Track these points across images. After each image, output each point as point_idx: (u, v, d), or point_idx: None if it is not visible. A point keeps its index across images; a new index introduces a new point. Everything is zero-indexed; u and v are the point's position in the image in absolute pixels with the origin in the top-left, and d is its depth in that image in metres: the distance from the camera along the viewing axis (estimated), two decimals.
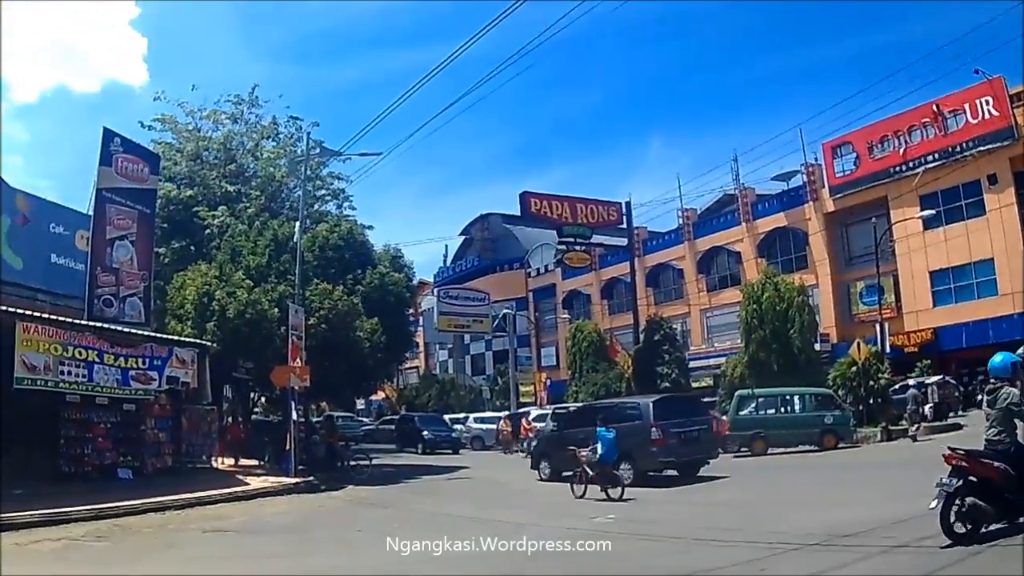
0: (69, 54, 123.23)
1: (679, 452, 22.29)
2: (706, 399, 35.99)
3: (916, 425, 31.62)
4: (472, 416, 55.71)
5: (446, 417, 53.13)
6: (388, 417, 61.02)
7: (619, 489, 18.92)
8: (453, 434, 46.54)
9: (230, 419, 36.72)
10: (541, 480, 25.04)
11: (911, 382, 36.01)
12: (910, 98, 49.05)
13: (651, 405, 22.99)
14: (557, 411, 35.83)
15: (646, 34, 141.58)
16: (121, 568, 12.59)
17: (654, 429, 21.85)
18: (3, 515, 15.22)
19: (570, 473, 21.01)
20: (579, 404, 39.33)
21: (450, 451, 43.84)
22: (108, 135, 26.74)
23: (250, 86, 48.65)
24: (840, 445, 30.24)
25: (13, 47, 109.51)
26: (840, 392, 35.36)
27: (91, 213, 26.49)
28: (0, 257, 23.81)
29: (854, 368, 36.04)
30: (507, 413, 47.82)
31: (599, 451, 19.30)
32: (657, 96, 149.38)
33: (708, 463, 23.79)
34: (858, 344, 36.75)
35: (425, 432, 45.36)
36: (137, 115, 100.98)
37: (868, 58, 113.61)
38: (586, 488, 19.45)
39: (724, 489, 20.82)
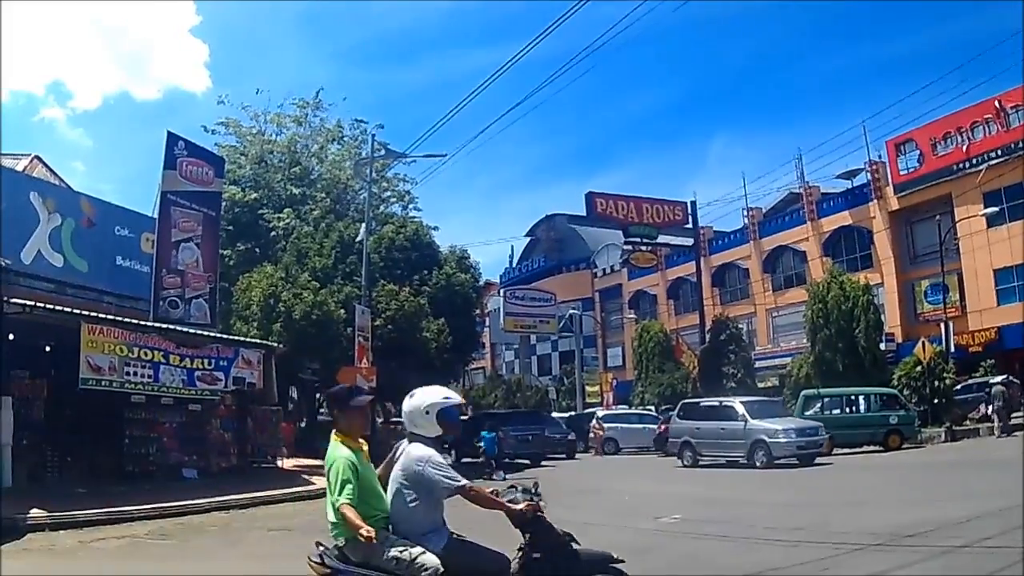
0: (130, 61, 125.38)
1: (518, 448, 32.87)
2: (772, 399, 35.30)
3: (1001, 422, 31.01)
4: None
5: (595, 412, 46.09)
6: None
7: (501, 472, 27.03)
8: (568, 435, 37.31)
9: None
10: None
11: (996, 379, 35.20)
12: (973, 94, 47.97)
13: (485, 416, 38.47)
14: None
15: (710, 33, 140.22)
16: (185, 566, 12.56)
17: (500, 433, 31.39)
18: (67, 513, 15.32)
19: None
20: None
21: (564, 456, 35.67)
22: (172, 139, 26.87)
23: (313, 90, 49.30)
24: (904, 445, 29.77)
25: (73, 54, 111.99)
26: (905, 392, 34.78)
27: (156, 216, 26.66)
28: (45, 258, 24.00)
29: (919, 368, 35.49)
30: (603, 414, 45.06)
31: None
32: (721, 95, 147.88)
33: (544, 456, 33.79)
34: (923, 343, 36.13)
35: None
36: (199, 121, 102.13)
37: (932, 54, 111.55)
38: None
39: (789, 489, 20.62)
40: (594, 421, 41.32)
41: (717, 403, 30.33)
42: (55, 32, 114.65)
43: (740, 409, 27.86)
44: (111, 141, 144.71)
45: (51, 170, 29.98)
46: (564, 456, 35.48)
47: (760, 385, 47.54)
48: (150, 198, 29.04)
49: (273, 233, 38.26)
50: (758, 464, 25.95)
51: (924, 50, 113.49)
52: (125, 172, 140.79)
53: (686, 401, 33.09)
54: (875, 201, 50.15)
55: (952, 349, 38.21)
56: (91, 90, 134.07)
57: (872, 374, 37.03)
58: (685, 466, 28.68)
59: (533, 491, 6.76)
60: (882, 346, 41.41)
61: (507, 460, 30.93)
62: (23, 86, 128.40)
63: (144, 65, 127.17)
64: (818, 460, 26.11)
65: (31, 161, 28.64)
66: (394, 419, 36.78)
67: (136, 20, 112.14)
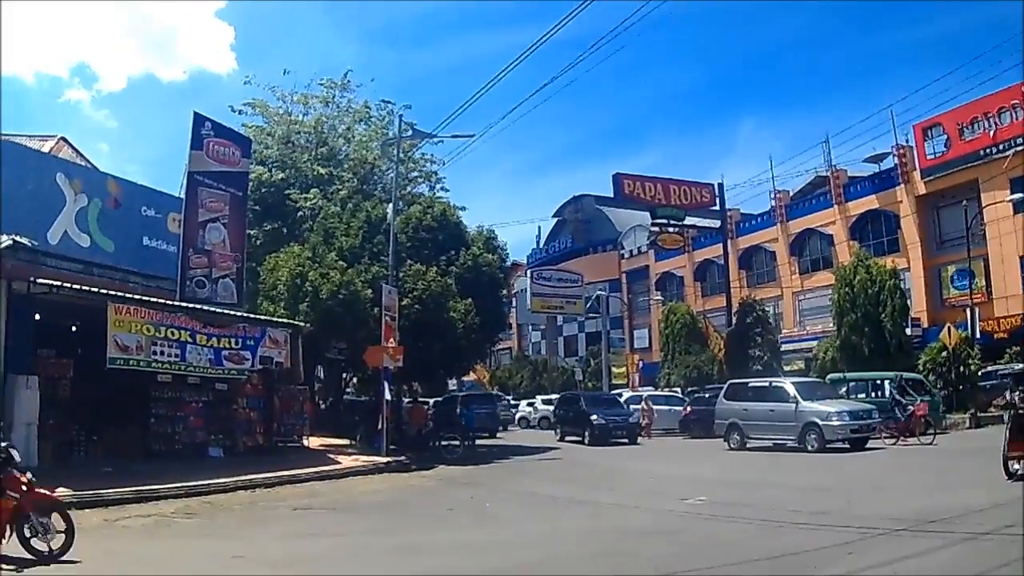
0: (156, 44, 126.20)
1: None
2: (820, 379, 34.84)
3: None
4: (525, 401, 57.55)
5: (620, 395, 46.46)
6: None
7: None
8: (631, 418, 37.02)
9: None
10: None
11: (1020, 366, 34.90)
12: (1001, 79, 47.25)
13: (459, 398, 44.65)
14: None
15: (739, 15, 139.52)
16: (211, 544, 12.55)
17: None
18: (93, 491, 15.34)
19: None
20: None
21: (626, 440, 35.06)
22: (199, 119, 26.84)
23: (340, 71, 49.26)
24: (929, 431, 29.40)
25: (99, 36, 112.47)
26: (930, 377, 34.63)
27: (183, 196, 26.70)
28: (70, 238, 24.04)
29: (944, 353, 35.29)
30: (648, 394, 44.96)
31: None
32: (750, 77, 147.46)
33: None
34: (948, 329, 36.02)
35: (594, 416, 35.55)
36: (224, 102, 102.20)
37: (960, 39, 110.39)
38: None
39: (812, 473, 20.56)
40: (643, 403, 40.71)
41: (767, 383, 30.02)
42: (81, 15, 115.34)
43: (791, 390, 27.47)
44: (136, 122, 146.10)
45: (77, 151, 30.05)
46: (627, 441, 34.67)
47: (786, 368, 47.17)
48: (175, 179, 29.17)
49: (300, 213, 38.17)
50: (809, 448, 25.56)
51: (952, 34, 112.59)
52: (150, 153, 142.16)
53: (734, 381, 32.49)
54: (902, 185, 49.68)
55: (978, 335, 37.95)
56: (117, 72, 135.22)
57: (898, 359, 36.85)
58: (732, 449, 28.36)
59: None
60: (908, 331, 41.17)
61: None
62: (48, 69, 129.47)
63: (170, 47, 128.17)
64: (839, 444, 25.76)
65: (57, 142, 28.71)
66: (421, 399, 36.89)
67: (162, 3, 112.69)
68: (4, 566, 9.70)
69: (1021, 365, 35.08)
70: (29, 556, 10.01)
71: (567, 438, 37.49)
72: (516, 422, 54.40)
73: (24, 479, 10.16)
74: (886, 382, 31.95)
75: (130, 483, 16.32)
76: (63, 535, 10.17)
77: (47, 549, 10.07)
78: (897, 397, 29.00)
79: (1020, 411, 15.23)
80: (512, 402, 57.90)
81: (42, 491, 10.53)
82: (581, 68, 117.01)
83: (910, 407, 28.02)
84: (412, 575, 10.22)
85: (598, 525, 13.61)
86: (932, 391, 32.11)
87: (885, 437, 27.10)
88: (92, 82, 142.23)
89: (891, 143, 51.21)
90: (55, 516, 10.25)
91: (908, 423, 27.28)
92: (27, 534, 10.08)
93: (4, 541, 9.87)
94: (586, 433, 35.29)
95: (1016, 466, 14.70)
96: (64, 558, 10.03)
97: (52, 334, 20.50)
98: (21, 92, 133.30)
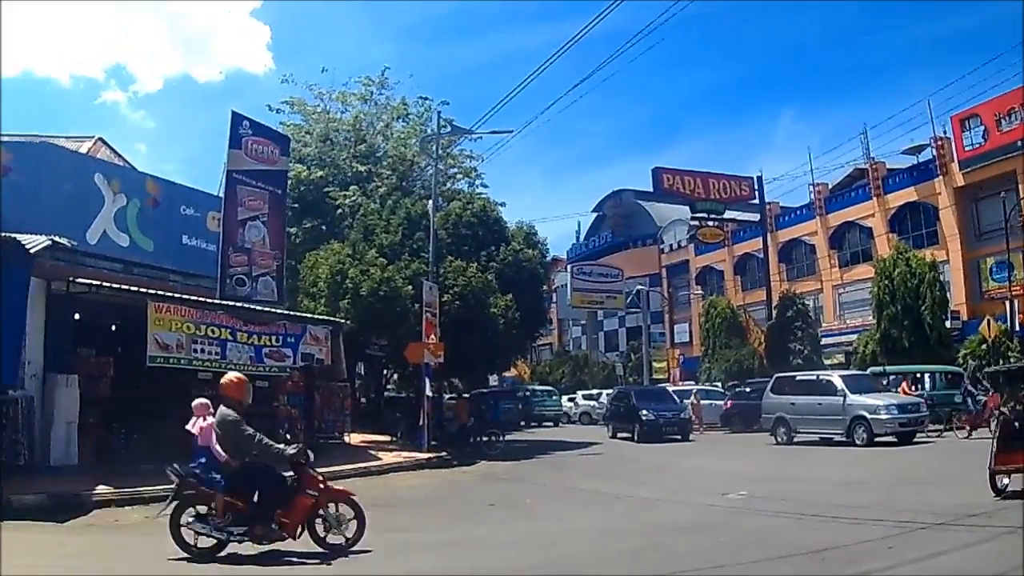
0: (191, 45, 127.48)
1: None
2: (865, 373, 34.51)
3: None
4: (581, 393, 56.74)
5: (671, 388, 45.63)
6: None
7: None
8: (683, 413, 35.72)
9: None
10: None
11: None
12: None
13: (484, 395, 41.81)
14: None
15: (777, 7, 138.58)
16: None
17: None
18: (134, 488, 15.38)
19: None
20: None
21: (679, 437, 33.83)
22: (237, 118, 26.88)
23: (377, 69, 49.35)
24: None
25: (134, 38, 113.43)
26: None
27: (222, 195, 26.74)
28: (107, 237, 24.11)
29: (984, 346, 34.99)
30: (697, 388, 44.59)
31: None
32: (787, 70, 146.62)
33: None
34: (988, 322, 35.82)
35: (643, 412, 33.97)
36: (261, 102, 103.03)
37: (997, 28, 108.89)
38: None
39: (859, 467, 20.44)
40: (692, 397, 40.17)
41: (814, 377, 29.85)
42: (116, 18, 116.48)
43: (839, 383, 27.27)
44: (174, 123, 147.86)
45: (115, 151, 30.17)
46: (679, 438, 33.65)
47: (826, 362, 46.96)
48: (213, 178, 29.18)
49: (339, 211, 38.26)
50: (858, 442, 25.31)
51: (990, 24, 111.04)
52: (188, 153, 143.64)
53: (780, 375, 32.13)
54: (940, 177, 48.58)
55: (1017, 328, 37.60)
56: (153, 73, 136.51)
57: (938, 352, 36.74)
58: (779, 443, 28.11)
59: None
60: (947, 324, 40.80)
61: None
62: (84, 71, 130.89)
63: (205, 48, 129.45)
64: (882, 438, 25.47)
65: (95, 143, 28.83)
66: (465, 394, 36.84)
67: (197, 4, 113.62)
68: (307, 560, 10.23)
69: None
70: (319, 550, 10.48)
71: (619, 435, 36.06)
72: (570, 418, 54.09)
73: (320, 478, 10.74)
74: (926, 376, 31.67)
75: (170, 481, 16.27)
76: (354, 523, 10.67)
77: (343, 540, 10.58)
78: (970, 388, 28.72)
79: (1009, 418, 13.92)
80: (559, 398, 57.01)
81: (337, 488, 11.28)
82: (619, 62, 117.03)
83: (982, 398, 27.68)
84: (454, 572, 10.10)
85: (637, 520, 13.52)
86: None
87: (956, 429, 26.85)
88: (128, 83, 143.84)
89: (929, 134, 50.42)
90: (343, 507, 10.77)
91: (981, 415, 26.92)
92: (320, 529, 10.61)
93: (298, 537, 10.44)
94: (635, 429, 33.94)
95: (1005, 480, 13.32)
96: (356, 548, 10.50)
97: (92, 333, 20.56)
98: (57, 94, 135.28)
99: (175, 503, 10.49)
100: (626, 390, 41.27)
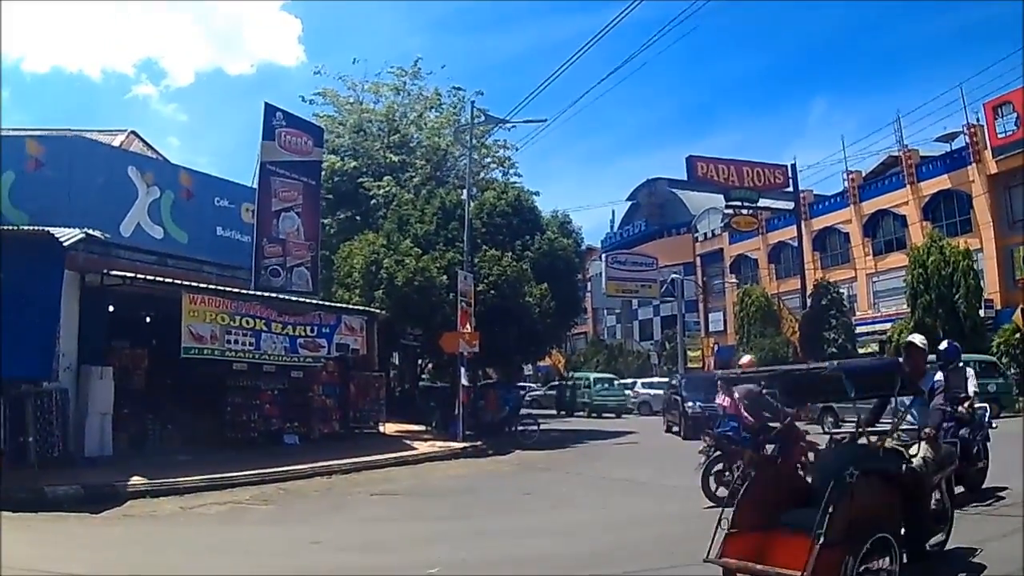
0: (222, 39, 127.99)
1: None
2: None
3: None
4: (640, 381, 54.98)
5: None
6: (555, 383, 59.46)
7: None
8: None
9: None
10: None
11: None
12: None
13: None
14: None
15: None
16: (288, 529, 12.49)
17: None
18: (169, 479, 15.36)
19: None
20: None
21: None
22: (270, 110, 26.86)
23: (410, 59, 49.24)
24: (1002, 415, 28.34)
25: (165, 33, 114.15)
26: (1003, 360, 33.98)
27: (256, 186, 26.73)
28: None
29: (1017, 335, 34.53)
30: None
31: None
32: (820, 58, 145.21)
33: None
34: (1021, 310, 35.19)
35: (688, 404, 29.25)
36: (293, 94, 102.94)
37: None
38: None
39: None
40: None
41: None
42: (146, 13, 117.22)
43: None
44: (206, 116, 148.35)
45: (148, 144, 30.17)
46: None
47: (860, 351, 46.34)
48: (247, 169, 29.19)
49: (373, 201, 38.27)
50: None
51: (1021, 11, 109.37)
52: (221, 145, 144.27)
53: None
54: (973, 164, 47.86)
55: None
56: (184, 67, 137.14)
57: (971, 341, 35.84)
58: (824, 433, 27.84)
59: None
60: (981, 312, 40.41)
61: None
62: (115, 66, 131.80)
63: (236, 41, 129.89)
64: None
65: (127, 136, 28.83)
66: (501, 383, 36.69)
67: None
68: None
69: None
70: None
71: (672, 428, 31.43)
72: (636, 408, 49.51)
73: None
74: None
75: (205, 471, 16.30)
76: None
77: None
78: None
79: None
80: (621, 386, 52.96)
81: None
82: (652, 51, 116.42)
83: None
84: (490, 559, 9.98)
85: (670, 510, 13.43)
86: (1005, 373, 31.36)
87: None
88: (160, 78, 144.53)
89: (962, 122, 49.71)
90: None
91: None
92: None
93: None
94: (681, 423, 29.47)
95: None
96: None
97: (127, 325, 20.65)
98: (89, 89, 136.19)
99: (708, 460, 13.40)
100: (680, 379, 35.54)
